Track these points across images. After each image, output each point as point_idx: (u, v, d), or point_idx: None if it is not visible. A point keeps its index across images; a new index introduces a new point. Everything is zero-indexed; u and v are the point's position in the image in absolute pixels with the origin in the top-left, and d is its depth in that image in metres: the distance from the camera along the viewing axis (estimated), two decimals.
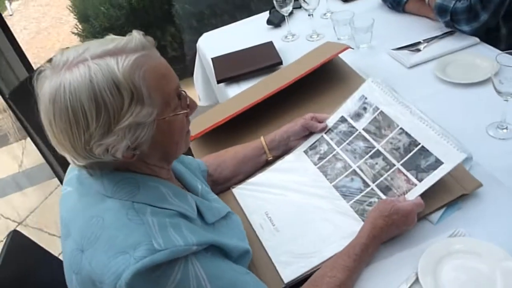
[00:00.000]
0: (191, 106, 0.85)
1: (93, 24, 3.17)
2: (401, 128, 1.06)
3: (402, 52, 1.56)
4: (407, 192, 0.97)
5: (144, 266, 0.69)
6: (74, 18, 3.31)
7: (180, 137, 0.84)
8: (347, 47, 1.41)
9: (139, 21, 3.16)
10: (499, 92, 1.11)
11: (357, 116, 1.15)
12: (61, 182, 1.87)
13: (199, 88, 2.10)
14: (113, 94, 0.70)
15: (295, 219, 1.04)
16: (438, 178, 0.95)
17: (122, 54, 0.73)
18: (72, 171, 0.88)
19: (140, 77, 0.73)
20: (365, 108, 1.15)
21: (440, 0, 1.51)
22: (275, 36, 1.87)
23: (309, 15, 1.82)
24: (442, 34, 1.58)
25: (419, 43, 1.58)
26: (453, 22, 1.50)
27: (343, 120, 1.17)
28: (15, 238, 1.00)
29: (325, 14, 1.95)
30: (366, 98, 1.16)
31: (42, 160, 2.22)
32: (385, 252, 0.96)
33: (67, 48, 0.76)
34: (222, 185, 1.21)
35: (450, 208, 1.00)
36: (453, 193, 0.99)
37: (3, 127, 3.55)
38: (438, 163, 0.97)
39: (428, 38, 1.58)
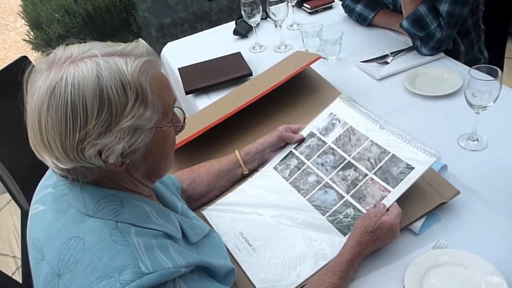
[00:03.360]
0: (179, 121, 0.83)
1: (46, 31, 3.03)
2: (371, 141, 1.07)
3: (370, 64, 1.58)
4: (382, 200, 0.98)
5: None
6: (25, 24, 3.14)
7: (170, 151, 0.81)
8: (319, 57, 1.41)
9: (96, 29, 3.05)
10: (471, 105, 1.13)
11: (326, 130, 1.15)
12: (14, 198, 1.75)
13: (185, 101, 2.04)
14: (119, 93, 0.67)
15: (271, 237, 1.02)
16: (411, 183, 0.97)
17: (131, 56, 0.71)
18: (45, 188, 0.81)
19: (146, 80, 0.70)
20: (334, 124, 1.15)
21: (423, 13, 1.51)
22: (242, 47, 1.85)
23: (276, 26, 1.82)
24: (408, 48, 1.62)
25: (386, 55, 1.60)
26: (421, 41, 1.53)
27: (312, 134, 1.17)
28: None
29: (291, 25, 1.95)
30: (335, 115, 1.16)
31: None
32: (369, 266, 0.95)
33: (68, 45, 0.72)
34: (197, 201, 1.17)
35: (430, 218, 1.00)
36: (432, 202, 1.00)
37: None
38: (409, 168, 0.98)
39: (395, 51, 1.61)
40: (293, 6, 1.92)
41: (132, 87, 0.68)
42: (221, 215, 1.12)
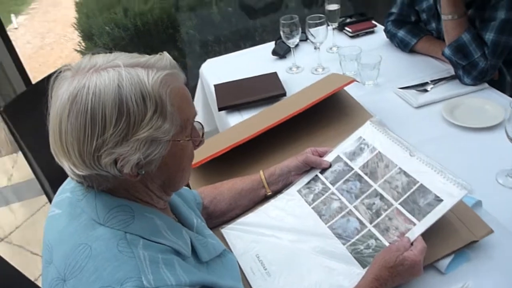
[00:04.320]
0: (199, 136, 0.83)
1: (96, 43, 3.15)
2: (399, 168, 1.02)
3: (409, 91, 1.53)
4: (406, 232, 0.92)
5: None
6: (78, 35, 3.29)
7: (187, 166, 0.80)
8: (353, 80, 1.38)
9: (143, 43, 3.14)
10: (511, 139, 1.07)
11: (354, 155, 1.11)
12: (50, 200, 1.80)
13: (199, 113, 2.06)
14: (138, 104, 0.67)
15: (287, 263, 0.98)
16: (438, 217, 0.91)
17: (153, 69, 0.71)
18: (64, 192, 0.82)
19: (167, 93, 0.71)
20: (362, 149, 1.11)
21: (467, 41, 1.45)
22: (279, 67, 1.85)
23: (315, 48, 1.80)
24: (450, 76, 1.56)
25: (426, 83, 1.55)
26: (464, 70, 1.47)
27: (339, 159, 1.13)
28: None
29: (331, 48, 1.93)
30: (364, 139, 1.12)
31: (32, 176, 2.16)
32: None
33: (95, 54, 0.74)
34: (217, 218, 1.15)
35: (459, 257, 0.94)
36: (462, 239, 0.94)
37: None
38: (437, 200, 0.93)
39: (436, 80, 1.56)
40: (333, 29, 1.90)
41: (152, 99, 0.68)
42: (240, 235, 1.09)
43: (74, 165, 0.69)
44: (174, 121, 0.72)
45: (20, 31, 6.94)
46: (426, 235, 0.92)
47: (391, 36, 1.85)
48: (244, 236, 1.09)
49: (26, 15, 7.61)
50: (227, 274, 0.89)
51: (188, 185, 1.30)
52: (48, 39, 5.96)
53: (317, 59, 1.81)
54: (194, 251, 0.82)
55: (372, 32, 2.03)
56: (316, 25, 1.69)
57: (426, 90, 1.52)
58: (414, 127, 1.39)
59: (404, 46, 1.79)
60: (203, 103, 1.99)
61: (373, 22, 2.06)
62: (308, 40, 1.81)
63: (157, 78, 0.70)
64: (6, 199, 2.96)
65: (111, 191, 0.74)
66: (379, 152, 1.08)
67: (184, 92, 0.75)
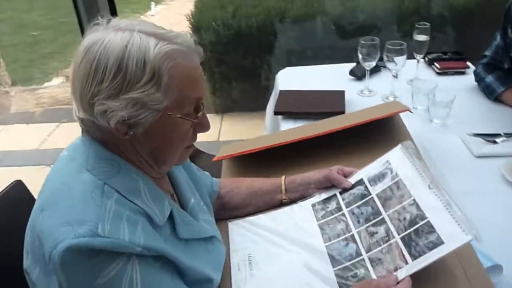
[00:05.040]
0: (202, 124, 0.84)
1: (202, 36, 3.33)
2: (413, 200, 0.94)
3: (476, 139, 1.40)
4: (397, 269, 0.85)
5: (79, 244, 0.67)
6: (188, 27, 3.51)
7: (178, 144, 0.82)
8: (407, 109, 1.30)
9: (243, 44, 3.26)
10: None
11: (375, 180, 1.05)
12: None
13: (268, 118, 2.09)
14: (138, 67, 0.72)
15: (273, 271, 0.96)
16: (433, 259, 0.83)
17: (165, 41, 0.75)
18: (77, 139, 0.89)
19: (168, 66, 0.73)
20: (385, 174, 1.05)
21: None
22: (353, 88, 1.81)
23: (394, 76, 1.74)
24: None
25: (498, 135, 1.41)
26: None
27: (360, 182, 1.08)
28: (17, 188, 1.02)
29: (411, 80, 1.84)
30: (390, 164, 1.06)
31: None
32: None
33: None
34: (230, 211, 1.16)
35: None
36: None
37: None
38: (438, 241, 0.84)
39: (510, 134, 1.41)
40: (418, 61, 1.81)
41: (151, 67, 0.72)
42: (242, 232, 1.09)
43: (77, 107, 0.76)
44: (168, 94, 0.74)
45: (155, 18, 7.59)
46: (422, 280, 0.85)
47: (479, 79, 1.72)
48: (245, 233, 1.08)
49: (165, 5, 8.31)
50: (206, 260, 0.89)
51: (219, 172, 1.33)
52: (175, 29, 6.44)
53: (392, 87, 1.74)
54: (173, 226, 0.84)
55: (463, 73, 1.89)
56: (396, 51, 1.63)
57: (495, 142, 1.39)
58: (468, 176, 1.28)
59: (489, 93, 1.65)
60: (271, 108, 2.01)
61: (467, 63, 1.93)
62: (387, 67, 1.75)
63: (163, 49, 0.73)
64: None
65: (105, 143, 0.79)
66: (400, 179, 1.01)
67: (190, 71, 0.77)
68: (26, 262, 0.78)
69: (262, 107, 2.18)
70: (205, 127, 0.84)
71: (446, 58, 1.97)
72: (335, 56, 2.98)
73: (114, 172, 0.77)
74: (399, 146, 1.08)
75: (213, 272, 0.89)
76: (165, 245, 0.78)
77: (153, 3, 8.05)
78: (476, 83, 1.75)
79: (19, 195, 0.98)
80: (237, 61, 3.33)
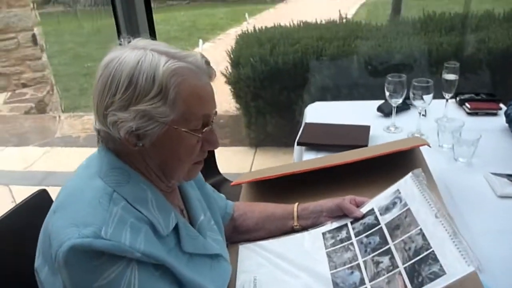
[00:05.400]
0: (210, 141, 0.87)
1: (240, 71, 3.44)
2: (420, 229, 0.93)
3: (499, 178, 1.37)
4: None
5: (82, 244, 0.71)
6: (228, 62, 3.64)
7: (184, 158, 0.86)
8: (425, 144, 1.29)
9: (279, 80, 3.34)
10: None
11: (385, 210, 1.05)
12: None
13: (295, 151, 2.12)
14: (147, 81, 0.77)
15: None
16: None
17: (175, 60, 0.80)
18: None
19: (175, 82, 0.79)
20: (395, 203, 1.04)
21: None
22: (379, 124, 1.82)
23: (422, 115, 1.74)
24: None
25: None
26: None
27: (371, 212, 1.08)
28: (41, 195, 1.08)
29: (440, 118, 1.83)
30: (400, 193, 1.06)
31: None
32: None
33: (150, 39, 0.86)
34: (242, 234, 1.18)
35: None
36: None
37: None
38: (441, 272, 0.82)
39: None
40: (446, 100, 1.80)
41: (160, 82, 0.77)
42: (251, 255, 1.10)
43: (95, 119, 0.82)
44: (175, 108, 0.79)
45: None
46: None
47: (509, 120, 1.68)
48: (254, 257, 1.10)
49: (212, 43, 8.65)
50: (209, 276, 0.91)
51: (238, 195, 1.35)
52: (219, 66, 6.68)
53: (418, 125, 1.73)
54: (179, 239, 0.87)
55: (494, 114, 1.86)
56: (422, 88, 1.64)
57: None
58: (489, 215, 1.25)
59: None
60: None
61: (500, 104, 1.90)
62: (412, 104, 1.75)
63: (171, 66, 0.78)
64: None
65: (117, 154, 0.84)
66: (408, 208, 1.00)
67: (197, 89, 0.81)
68: (37, 262, 0.83)
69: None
70: (213, 143, 0.87)
71: (478, 99, 1.95)
72: (367, 94, 3.00)
73: (124, 181, 0.82)
74: (409, 175, 1.08)
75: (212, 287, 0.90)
76: (167, 255, 0.81)
77: (201, 41, 8.39)
78: (506, 124, 1.72)
79: (42, 202, 1.04)
80: (272, 96, 3.41)
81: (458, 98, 1.96)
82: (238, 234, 1.18)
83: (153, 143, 0.81)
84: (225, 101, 4.08)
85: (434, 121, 1.81)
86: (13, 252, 0.90)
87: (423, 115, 1.85)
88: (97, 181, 0.81)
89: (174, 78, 0.78)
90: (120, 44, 0.84)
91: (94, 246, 0.71)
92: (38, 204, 1.02)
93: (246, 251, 1.13)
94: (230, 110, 4.29)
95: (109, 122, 0.78)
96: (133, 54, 0.79)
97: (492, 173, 1.41)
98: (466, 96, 1.97)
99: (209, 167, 1.84)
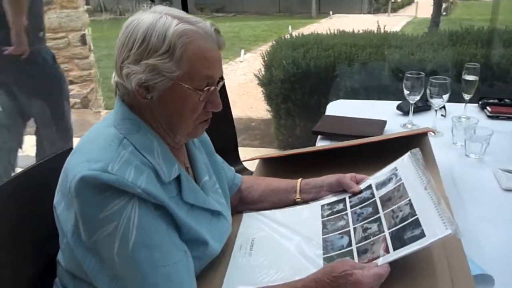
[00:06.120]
0: (213, 102, 0.94)
1: (272, 73, 3.54)
2: (408, 200, 0.98)
3: (506, 173, 1.38)
4: (378, 258, 0.88)
5: (91, 176, 0.81)
6: (261, 63, 3.74)
7: (187, 115, 0.93)
8: (429, 131, 1.33)
9: (309, 83, 3.40)
10: None
11: (381, 185, 1.10)
12: None
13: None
14: (158, 39, 0.87)
15: (268, 252, 1.04)
16: (412, 250, 0.86)
17: (186, 23, 0.89)
18: None
19: (183, 41, 0.87)
20: (390, 179, 1.09)
21: None
22: (397, 121, 1.85)
23: (441, 115, 1.76)
24: None
25: None
26: None
27: (369, 187, 1.13)
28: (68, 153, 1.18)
29: (460, 117, 1.84)
30: (396, 170, 1.11)
31: None
32: None
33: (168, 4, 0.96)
34: (247, 205, 1.25)
35: None
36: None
37: None
38: (421, 235, 0.87)
39: None
40: (466, 101, 1.82)
41: (169, 41, 0.87)
42: (253, 222, 1.17)
43: (115, 71, 0.92)
44: (179, 66, 0.87)
45: (243, 64, 8.08)
46: (403, 272, 0.87)
47: None
48: (255, 223, 1.17)
49: (253, 53, 8.83)
50: (207, 228, 0.98)
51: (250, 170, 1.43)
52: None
53: (435, 123, 1.76)
54: (181, 190, 0.95)
55: None
56: (439, 86, 1.67)
57: None
58: (491, 205, 1.28)
59: None
60: None
61: None
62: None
63: (181, 28, 0.87)
64: None
65: (131, 106, 0.93)
66: (402, 183, 1.05)
67: (203, 50, 0.89)
68: (56, 199, 0.93)
69: None
70: (215, 105, 0.95)
71: (501, 103, 1.95)
72: (394, 99, 3.01)
73: (134, 131, 0.91)
74: (408, 153, 1.12)
75: (208, 237, 0.97)
76: (166, 198, 0.89)
77: (242, 51, 8.58)
78: None
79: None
80: (302, 98, 3.47)
81: (480, 102, 1.96)
82: (243, 204, 1.25)
83: (160, 97, 0.90)
84: (259, 107, 4.15)
85: (452, 120, 1.83)
86: (40, 199, 1.01)
87: (442, 115, 1.88)
88: (110, 129, 0.91)
89: (183, 38, 0.87)
90: (142, 8, 0.95)
91: (100, 179, 0.81)
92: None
93: (248, 217, 1.20)
94: (263, 115, 4.40)
95: (124, 74, 0.88)
96: (150, 16, 0.89)
97: (501, 169, 1.42)
98: (490, 101, 1.97)
99: (231, 155, 1.93)
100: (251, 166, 1.94)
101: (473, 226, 1.16)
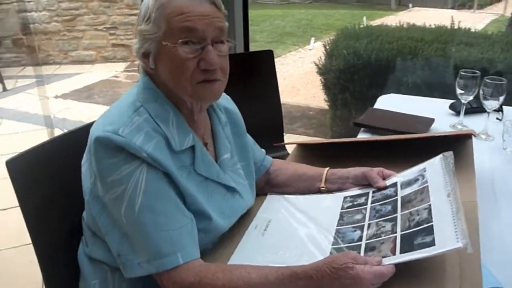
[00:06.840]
0: (206, 59, 0.92)
1: (332, 62, 3.49)
2: (429, 205, 0.95)
3: None
4: (384, 257, 0.87)
5: (104, 137, 0.88)
6: (323, 52, 3.70)
7: (180, 73, 0.93)
8: (471, 133, 1.27)
9: (369, 75, 3.33)
10: None
11: (407, 184, 1.07)
12: None
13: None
14: (144, 7, 0.95)
15: (280, 235, 1.05)
16: (418, 257, 0.83)
17: None
18: None
19: (160, 3, 0.92)
20: (417, 179, 1.06)
21: None
22: (447, 121, 1.78)
23: (497, 118, 1.67)
24: None
25: None
26: None
27: (394, 185, 1.11)
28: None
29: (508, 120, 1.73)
30: (425, 171, 1.07)
31: None
32: None
33: None
34: (273, 188, 1.27)
35: None
36: None
37: None
38: (431, 244, 0.84)
39: None
40: None
41: (147, 6, 0.93)
42: (275, 204, 1.19)
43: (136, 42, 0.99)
44: (160, 26, 0.92)
45: (312, 52, 8.01)
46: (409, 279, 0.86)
47: None
48: (276, 205, 1.18)
49: (323, 42, 8.71)
50: (217, 202, 1.01)
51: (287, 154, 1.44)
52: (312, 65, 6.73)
53: (486, 126, 1.67)
54: (194, 160, 0.98)
55: None
56: (494, 86, 1.57)
57: None
58: None
59: None
60: None
61: None
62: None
63: None
64: None
65: (151, 77, 0.99)
66: (427, 186, 1.02)
67: (181, 7, 0.91)
68: (83, 159, 1.01)
69: None
70: (208, 62, 0.92)
71: None
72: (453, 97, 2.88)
73: (152, 100, 0.96)
74: (440, 155, 1.08)
75: (217, 215, 1.00)
76: (176, 169, 0.92)
77: (312, 39, 8.47)
78: None
79: None
80: (361, 91, 3.41)
81: None
82: (269, 187, 1.27)
83: (156, 63, 0.95)
84: (322, 96, 4.08)
85: (506, 124, 1.73)
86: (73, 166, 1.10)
87: (498, 118, 1.78)
88: (131, 97, 0.97)
89: (159, 1, 0.92)
90: None
91: (110, 139, 0.88)
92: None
93: (271, 200, 1.22)
94: (324, 105, 4.36)
95: (135, 42, 0.97)
96: None
97: None
98: None
99: (274, 138, 1.94)
100: None
101: (504, 234, 1.11)
